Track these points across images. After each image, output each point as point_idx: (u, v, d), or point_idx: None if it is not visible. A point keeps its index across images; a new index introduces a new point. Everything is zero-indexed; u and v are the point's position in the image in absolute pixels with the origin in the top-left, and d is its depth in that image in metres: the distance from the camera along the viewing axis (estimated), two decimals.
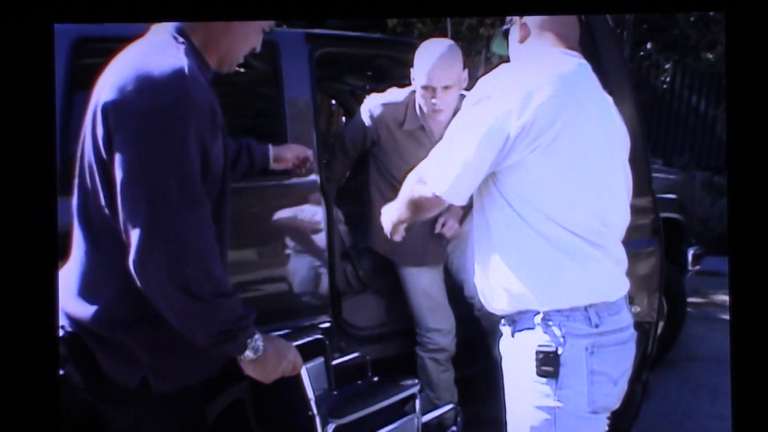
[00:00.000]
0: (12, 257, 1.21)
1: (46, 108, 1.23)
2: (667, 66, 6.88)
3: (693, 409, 2.85)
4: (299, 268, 2.07)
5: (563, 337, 1.26)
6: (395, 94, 2.21)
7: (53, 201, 1.24)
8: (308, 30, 2.19)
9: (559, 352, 1.26)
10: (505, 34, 1.45)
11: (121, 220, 1.12)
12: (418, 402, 1.58)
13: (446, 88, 2.01)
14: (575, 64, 1.32)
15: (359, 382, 1.78)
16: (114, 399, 1.25)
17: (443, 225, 2.20)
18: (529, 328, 1.30)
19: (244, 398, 1.72)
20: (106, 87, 1.15)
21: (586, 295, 1.27)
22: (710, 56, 6.48)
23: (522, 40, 1.40)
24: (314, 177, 2.06)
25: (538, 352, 1.27)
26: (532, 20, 1.38)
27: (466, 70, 2.08)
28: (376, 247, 2.31)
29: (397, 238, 1.59)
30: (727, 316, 4.09)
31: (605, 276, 1.31)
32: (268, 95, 2.16)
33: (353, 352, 1.94)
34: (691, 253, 3.29)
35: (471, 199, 2.30)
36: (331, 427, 1.41)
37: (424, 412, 1.69)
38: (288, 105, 2.04)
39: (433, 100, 2.02)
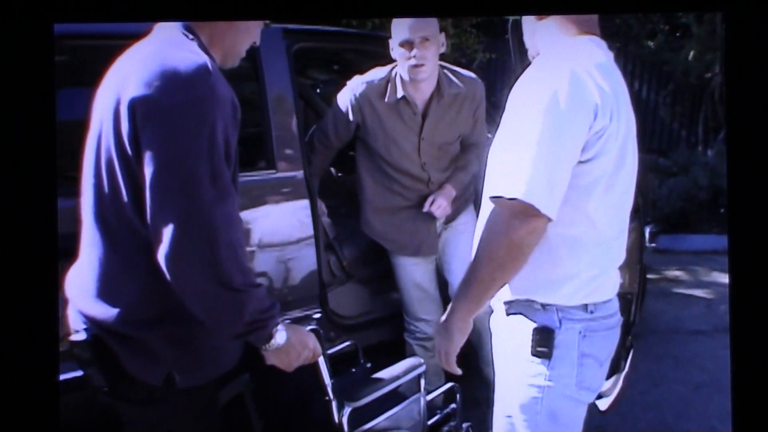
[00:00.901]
0: (12, 257, 1.21)
1: (46, 108, 1.24)
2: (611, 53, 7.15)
3: (658, 377, 3.01)
4: (287, 260, 2.09)
5: (560, 321, 1.27)
6: (376, 72, 2.22)
7: (53, 201, 1.23)
8: (285, 25, 2.21)
9: (555, 334, 1.27)
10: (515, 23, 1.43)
11: (150, 215, 1.11)
12: (423, 382, 1.64)
13: (424, 40, 2.01)
14: (603, 53, 1.27)
15: (353, 369, 1.82)
16: (137, 399, 1.25)
17: (432, 203, 2.21)
18: (526, 310, 1.30)
19: (244, 393, 1.74)
20: (128, 84, 1.14)
21: (587, 296, 1.28)
22: (651, 44, 6.77)
23: (540, 17, 1.31)
24: (299, 171, 2.09)
25: (534, 333, 1.28)
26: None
27: (443, 34, 2.10)
28: (370, 234, 2.32)
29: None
30: (681, 290, 4.33)
31: (608, 279, 1.31)
32: (250, 89, 2.16)
33: (342, 341, 1.97)
34: (648, 231, 3.44)
35: (463, 197, 2.28)
36: (347, 410, 1.44)
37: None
38: (269, 97, 2.06)
39: (412, 53, 2.01)
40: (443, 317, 1.33)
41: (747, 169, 1.25)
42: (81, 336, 1.22)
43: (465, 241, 2.12)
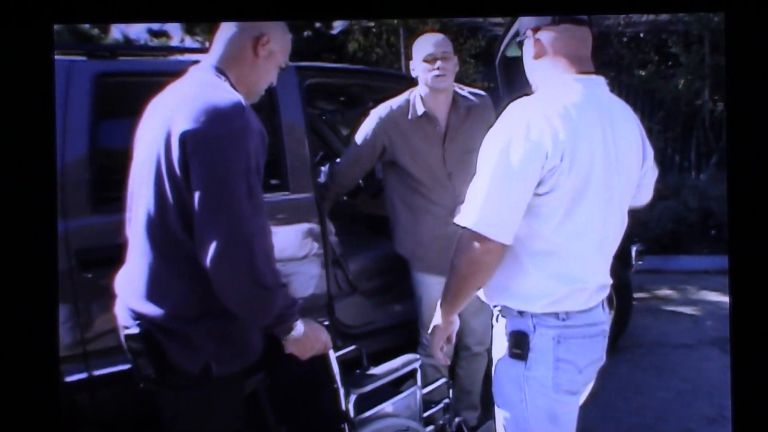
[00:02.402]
0: (12, 258, 1.24)
1: (46, 108, 1.26)
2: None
3: (643, 385, 3.20)
4: (298, 273, 2.32)
5: (534, 326, 1.38)
6: (395, 99, 2.39)
7: (53, 200, 1.29)
8: (297, 63, 2.47)
9: (530, 338, 1.37)
10: (520, 45, 1.50)
11: (198, 227, 1.31)
12: (419, 375, 1.85)
13: (446, 56, 2.24)
14: (581, 93, 1.35)
15: (357, 371, 2.03)
16: (179, 385, 1.43)
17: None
18: (507, 315, 1.43)
19: (259, 390, 1.95)
20: (177, 119, 1.34)
21: (554, 305, 1.37)
22: (642, 73, 7.04)
23: (537, 57, 1.43)
24: (309, 193, 2.34)
25: (509, 336, 1.41)
26: (546, 38, 1.40)
27: (456, 57, 2.32)
28: (402, 253, 2.44)
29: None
30: (668, 308, 4.49)
31: (579, 292, 1.38)
32: (266, 119, 2.41)
33: (348, 346, 2.17)
34: (634, 249, 3.61)
35: None
36: (353, 397, 1.66)
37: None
38: (284, 127, 2.31)
39: (436, 64, 2.23)
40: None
41: (747, 169, 1.25)
42: (134, 330, 1.41)
43: None
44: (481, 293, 1.48)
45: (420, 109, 2.31)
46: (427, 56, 2.24)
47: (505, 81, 2.60)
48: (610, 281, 1.46)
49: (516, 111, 1.34)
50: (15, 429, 1.23)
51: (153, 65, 2.30)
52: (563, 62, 1.39)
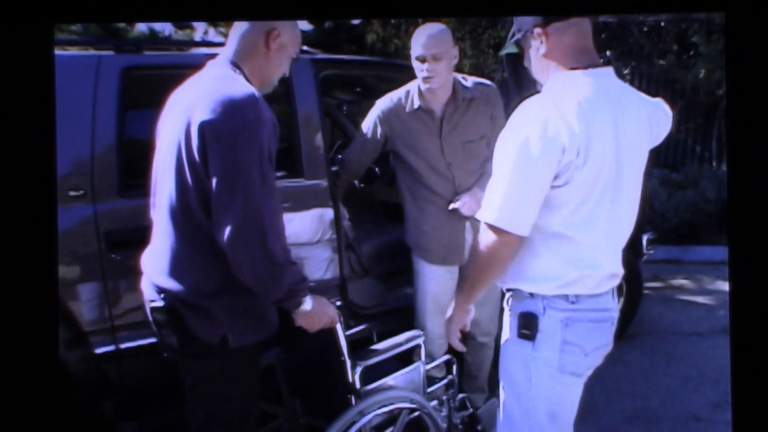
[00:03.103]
0: (12, 257, 1.24)
1: (46, 108, 1.26)
2: (625, 71, 7.39)
3: (650, 371, 3.26)
4: (313, 256, 2.44)
5: (544, 308, 1.43)
6: (398, 90, 2.45)
7: (53, 200, 1.29)
8: (313, 55, 2.57)
9: (539, 319, 1.43)
10: (517, 44, 1.53)
11: (215, 210, 1.42)
12: (423, 351, 1.96)
13: (435, 57, 2.22)
14: (592, 87, 1.38)
15: (364, 349, 2.13)
16: (199, 354, 1.55)
17: (458, 200, 2.34)
18: (517, 297, 1.49)
19: (275, 364, 2.07)
20: (196, 110, 1.44)
21: (565, 288, 1.42)
22: (662, 63, 7.01)
23: (547, 53, 1.44)
24: (323, 180, 2.45)
25: (519, 317, 1.46)
26: (555, 34, 1.41)
27: (457, 48, 2.31)
28: (410, 244, 2.50)
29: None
30: (682, 297, 4.50)
31: (589, 276, 1.43)
32: (282, 110, 2.51)
33: (359, 326, 2.27)
34: (645, 238, 3.63)
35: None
36: (359, 369, 1.77)
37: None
38: (299, 117, 2.41)
39: (425, 66, 2.23)
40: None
41: (747, 168, 1.25)
42: (159, 303, 1.54)
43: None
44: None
45: (416, 103, 2.35)
46: (417, 56, 2.26)
47: (513, 74, 2.65)
48: (622, 271, 1.50)
49: (531, 108, 1.38)
50: (16, 422, 1.24)
51: (176, 59, 2.43)
52: (572, 57, 1.42)
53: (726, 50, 1.29)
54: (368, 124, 2.46)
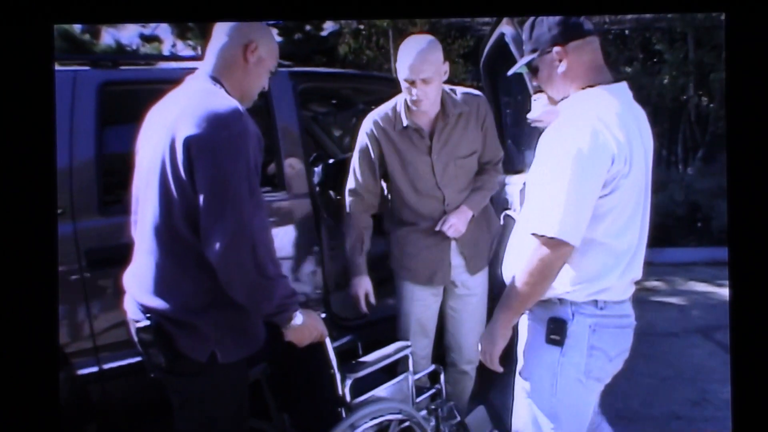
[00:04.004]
0: (12, 260, 1.25)
1: (46, 108, 1.27)
2: None
3: (629, 372, 3.21)
4: (297, 268, 2.43)
5: (573, 314, 1.45)
6: (383, 105, 2.28)
7: (53, 200, 1.31)
8: (291, 69, 2.58)
9: (568, 325, 1.45)
10: (530, 66, 1.53)
11: (204, 225, 1.40)
12: (411, 362, 1.96)
13: (425, 80, 2.05)
14: (618, 101, 1.43)
15: (353, 362, 2.13)
16: (187, 372, 1.52)
17: (444, 222, 2.21)
18: (545, 304, 1.49)
19: (261, 379, 2.05)
20: (180, 125, 1.43)
21: (596, 294, 1.45)
22: (628, 70, 7.18)
23: (568, 71, 1.46)
24: (305, 191, 2.44)
25: (549, 323, 1.47)
26: (576, 51, 1.44)
27: (447, 63, 2.12)
28: (392, 264, 2.35)
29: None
30: (656, 298, 4.58)
31: (618, 283, 1.46)
32: (262, 122, 2.51)
33: (344, 337, 2.25)
34: None
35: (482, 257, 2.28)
36: (349, 382, 1.77)
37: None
38: (279, 130, 2.41)
39: (414, 91, 2.07)
40: (487, 327, 1.55)
41: (747, 168, 1.26)
42: (145, 323, 1.50)
43: (475, 303, 2.32)
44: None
45: (404, 122, 2.21)
46: (406, 79, 2.09)
47: (489, 83, 2.69)
48: (641, 276, 1.53)
49: (576, 121, 1.40)
50: (15, 425, 1.25)
51: (153, 73, 2.41)
52: (593, 74, 1.46)
53: (726, 50, 1.30)
54: (360, 151, 2.28)
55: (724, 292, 4.91)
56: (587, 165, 1.36)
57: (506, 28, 2.26)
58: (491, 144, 2.30)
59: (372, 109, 2.33)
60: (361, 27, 6.93)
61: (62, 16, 1.26)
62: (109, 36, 9.00)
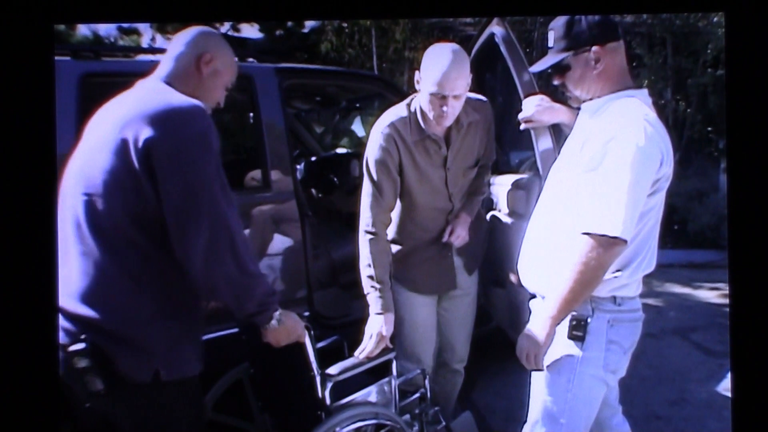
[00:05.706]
0: (11, 258, 1.24)
1: (46, 108, 1.26)
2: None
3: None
4: (280, 267, 2.40)
5: (593, 310, 1.50)
6: (395, 111, 2.10)
7: (53, 200, 1.28)
8: (277, 65, 2.54)
9: (589, 321, 1.50)
10: (559, 65, 1.53)
11: (179, 227, 1.34)
12: (394, 366, 1.92)
13: (456, 97, 1.94)
14: (648, 104, 1.50)
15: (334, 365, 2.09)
16: (129, 397, 1.40)
17: (451, 233, 2.15)
18: None
19: (243, 379, 2.01)
20: (133, 126, 1.33)
21: (615, 290, 1.50)
22: None
23: (604, 72, 1.49)
24: (289, 188, 2.41)
25: (571, 320, 1.50)
26: (611, 53, 1.48)
27: (471, 74, 1.99)
28: (394, 274, 2.18)
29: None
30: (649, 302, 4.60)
31: (633, 280, 1.52)
32: (248, 118, 2.47)
33: (330, 337, 2.20)
34: None
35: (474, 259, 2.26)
36: (329, 385, 1.72)
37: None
38: (264, 125, 2.38)
39: (444, 108, 1.94)
40: (527, 327, 1.53)
41: (747, 167, 1.28)
42: (79, 345, 1.34)
43: (468, 303, 2.30)
44: (534, 280, 1.60)
45: (423, 132, 2.05)
46: (435, 93, 1.92)
47: (476, 84, 2.67)
48: (653, 269, 1.57)
49: (629, 125, 1.42)
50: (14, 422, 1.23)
51: (136, 65, 2.35)
52: (623, 76, 1.52)
53: (726, 50, 1.32)
54: (377, 164, 2.06)
55: (701, 293, 5.00)
56: (645, 165, 1.39)
57: (496, 28, 2.24)
58: (490, 148, 2.25)
59: (365, 112, 2.26)
60: (344, 25, 6.89)
61: (62, 16, 1.26)
62: (85, 27, 8.84)
